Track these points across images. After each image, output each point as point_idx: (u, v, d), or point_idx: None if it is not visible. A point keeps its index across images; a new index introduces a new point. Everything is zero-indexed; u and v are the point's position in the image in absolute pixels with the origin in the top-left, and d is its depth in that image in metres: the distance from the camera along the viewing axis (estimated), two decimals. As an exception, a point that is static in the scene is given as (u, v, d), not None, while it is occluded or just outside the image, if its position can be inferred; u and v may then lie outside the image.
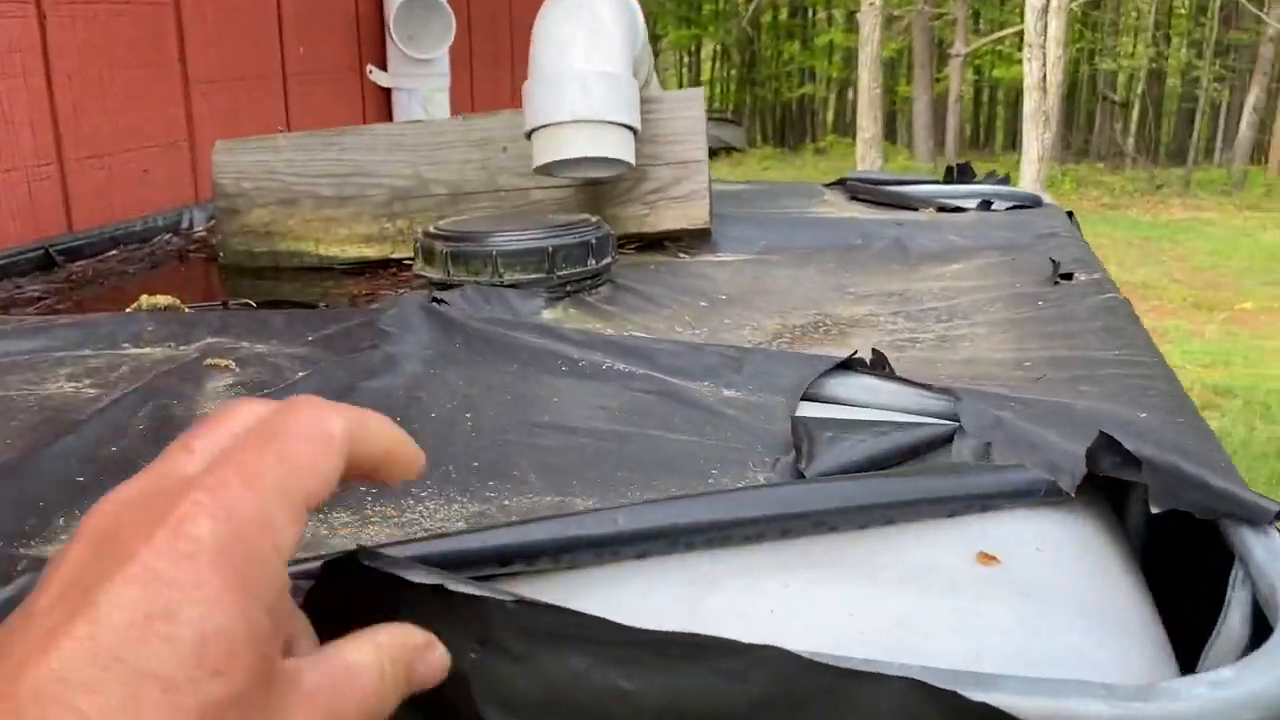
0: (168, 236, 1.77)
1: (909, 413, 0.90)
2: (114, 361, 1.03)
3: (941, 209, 1.78)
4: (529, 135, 1.38)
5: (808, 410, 0.88)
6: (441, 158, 1.58)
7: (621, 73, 1.34)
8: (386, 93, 2.51)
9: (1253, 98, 16.53)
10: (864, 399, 0.93)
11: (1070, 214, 1.75)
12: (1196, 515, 0.65)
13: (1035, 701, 0.47)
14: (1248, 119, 16.47)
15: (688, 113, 1.54)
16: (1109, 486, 0.75)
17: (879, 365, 0.97)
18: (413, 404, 0.90)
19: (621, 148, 1.35)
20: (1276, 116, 16.94)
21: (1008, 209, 1.83)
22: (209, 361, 1.00)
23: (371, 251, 1.59)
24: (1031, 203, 1.83)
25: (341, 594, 0.52)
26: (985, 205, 1.83)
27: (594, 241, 1.31)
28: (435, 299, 1.12)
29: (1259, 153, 17.36)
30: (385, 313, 1.07)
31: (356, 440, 0.41)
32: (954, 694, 0.47)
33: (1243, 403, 6.63)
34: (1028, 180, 10.00)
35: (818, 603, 0.63)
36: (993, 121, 27.24)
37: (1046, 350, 1.04)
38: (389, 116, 2.52)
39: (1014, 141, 25.34)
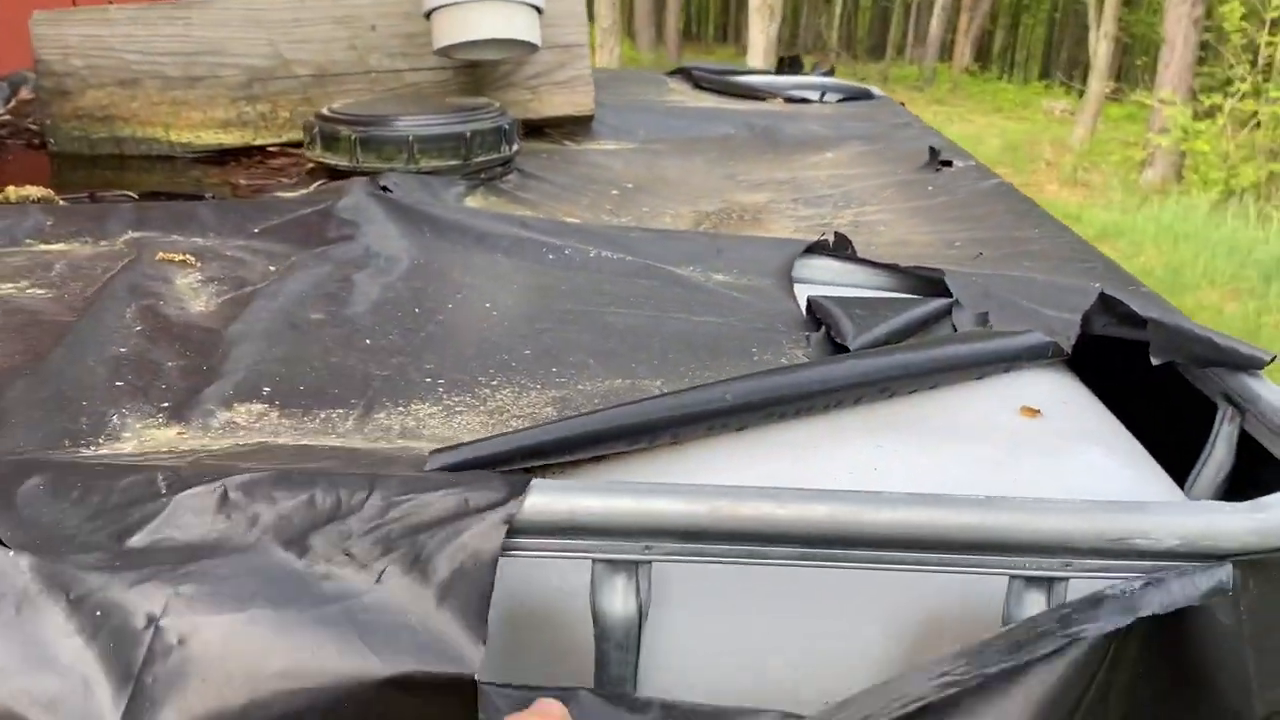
0: (-34, 119, 1.55)
1: (888, 290, 0.98)
2: (38, 259, 0.93)
3: (789, 99, 1.86)
4: (429, 15, 1.32)
5: (805, 291, 0.94)
6: (303, 35, 1.48)
7: (526, -50, 1.31)
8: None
9: (941, -2, 17.83)
10: (840, 279, 1.00)
11: (902, 104, 1.88)
12: (1192, 365, 0.77)
13: (1184, 519, 0.56)
14: (937, 18, 17.78)
15: (567, -5, 1.52)
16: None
17: (842, 247, 1.03)
18: (421, 295, 0.88)
19: (531, 29, 1.32)
20: (960, 16, 18.39)
21: (839, 100, 1.95)
22: (161, 256, 0.93)
23: (230, 138, 1.47)
24: (862, 94, 1.95)
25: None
26: (820, 96, 1.93)
27: (506, 127, 1.29)
28: (383, 187, 1.08)
29: (946, 51, 18.84)
30: (338, 202, 1.02)
31: None
32: None
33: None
34: (754, 72, 10.30)
35: (912, 458, 0.70)
36: (704, 14, 27.81)
37: (966, 232, 1.15)
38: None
39: (725, 34, 26.03)
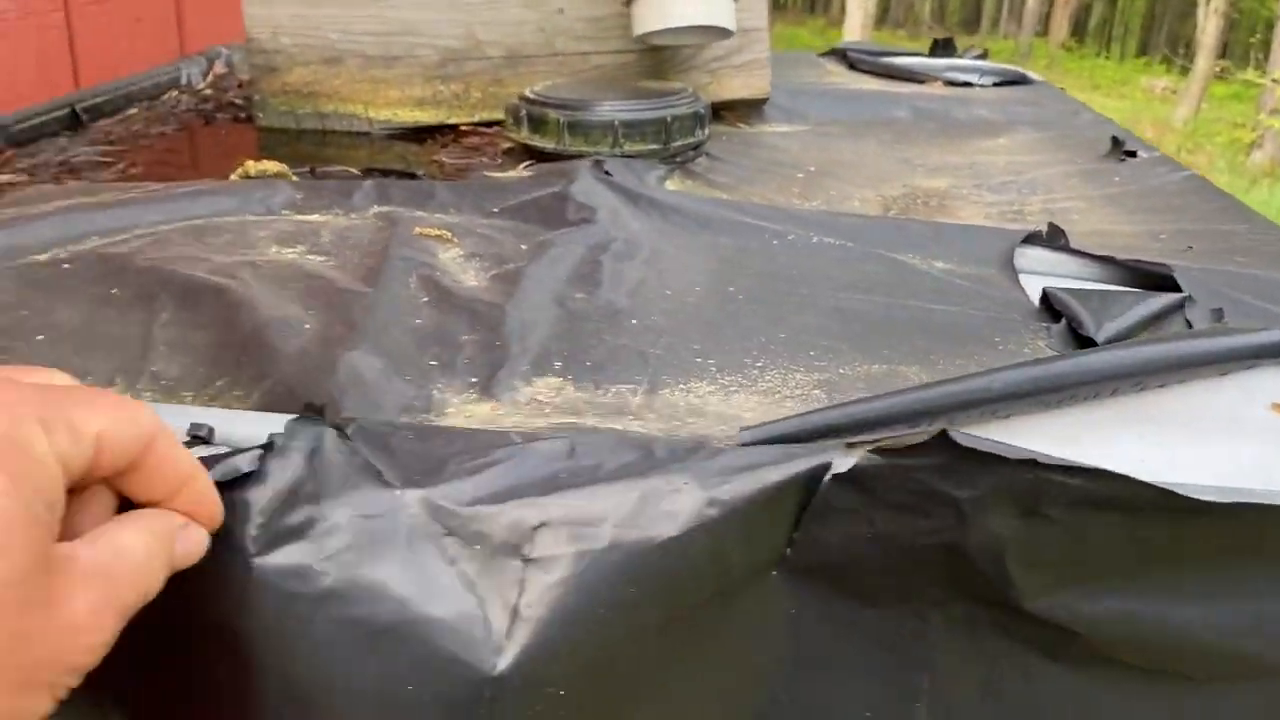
0: (175, 94, 1.64)
1: (1101, 282, 1.00)
2: (304, 227, 1.00)
3: (949, 83, 1.87)
4: (628, 2, 1.36)
5: (1033, 281, 0.97)
6: (495, 18, 1.54)
7: (724, -65, 1.34)
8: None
9: (1040, -30, 17.38)
10: (1054, 270, 1.03)
11: (1063, 89, 1.88)
12: None
13: None
14: (1035, -9, 17.34)
15: (747, -20, 1.55)
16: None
17: (1055, 238, 1.06)
18: (666, 278, 0.93)
19: (727, 15, 1.36)
20: (1059, -10, 17.90)
21: (994, 84, 1.95)
22: (419, 230, 0.99)
23: (425, 115, 1.54)
24: (1019, 79, 1.95)
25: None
26: (978, 79, 1.93)
27: (701, 112, 1.33)
28: (607, 171, 1.13)
29: (1042, 25, 18.38)
30: (571, 185, 1.08)
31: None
32: None
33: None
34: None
35: (1176, 451, 0.73)
36: (796, -14, 27.49)
37: (1169, 224, 1.16)
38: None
39: (814, 5, 25.68)
